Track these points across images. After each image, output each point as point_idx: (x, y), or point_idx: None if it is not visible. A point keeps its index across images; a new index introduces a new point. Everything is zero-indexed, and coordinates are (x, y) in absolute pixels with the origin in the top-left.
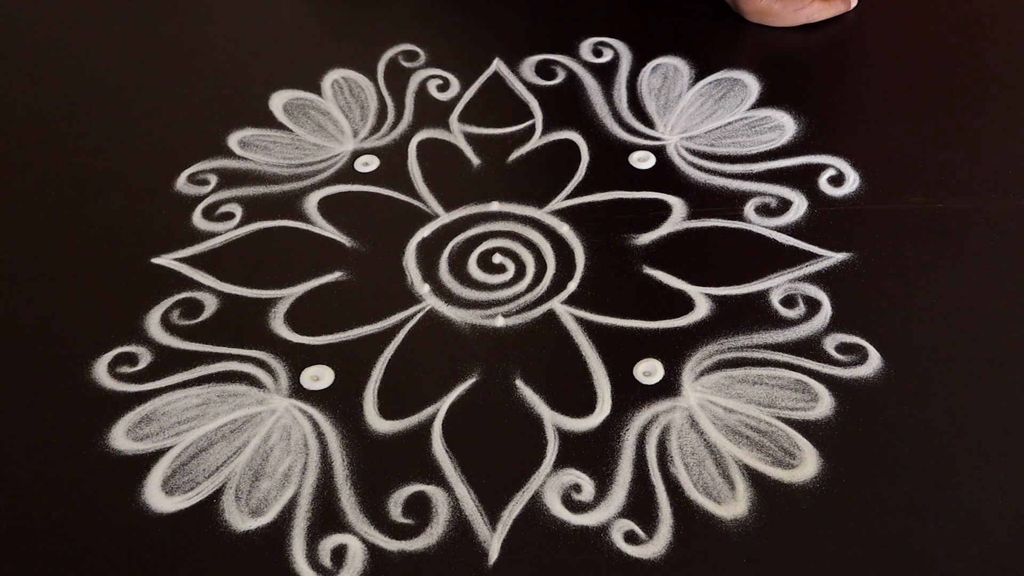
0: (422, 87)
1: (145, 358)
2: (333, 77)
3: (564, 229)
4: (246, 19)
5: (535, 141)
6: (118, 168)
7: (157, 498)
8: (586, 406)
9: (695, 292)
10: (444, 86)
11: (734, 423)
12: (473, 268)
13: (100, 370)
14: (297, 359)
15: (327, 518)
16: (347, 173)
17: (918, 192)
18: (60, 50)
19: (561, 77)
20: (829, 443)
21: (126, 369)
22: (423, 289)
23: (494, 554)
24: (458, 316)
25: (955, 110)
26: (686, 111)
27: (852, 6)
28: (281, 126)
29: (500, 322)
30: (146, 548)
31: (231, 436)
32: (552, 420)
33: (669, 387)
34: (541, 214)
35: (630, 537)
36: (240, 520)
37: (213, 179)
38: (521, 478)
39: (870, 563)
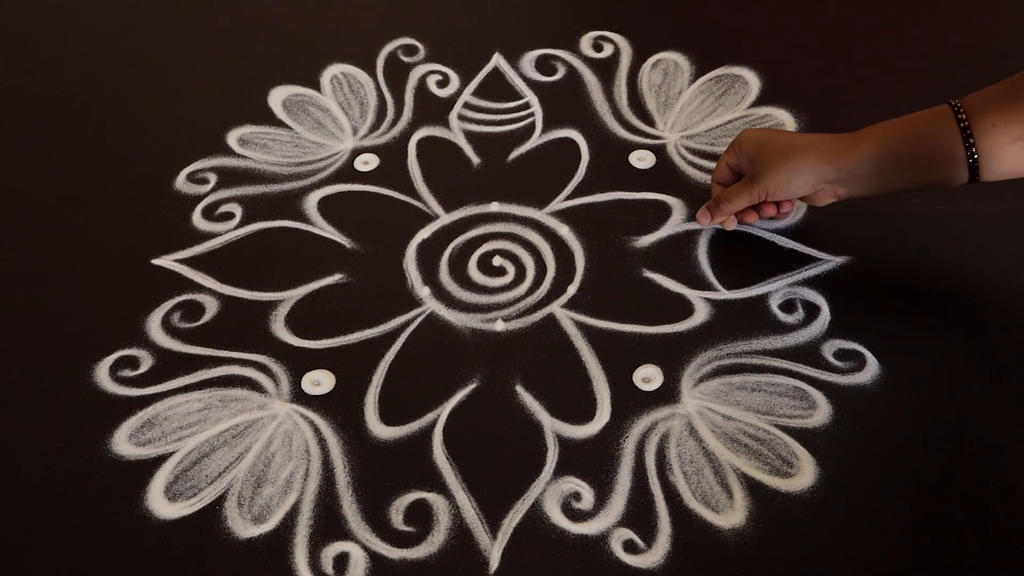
0: (421, 83)
1: (147, 361)
2: (332, 72)
3: (564, 231)
4: (243, 12)
5: (535, 140)
6: (117, 167)
7: (160, 504)
8: (586, 413)
9: (694, 296)
10: (444, 82)
11: (732, 431)
12: (473, 271)
13: (102, 373)
14: (298, 363)
15: (329, 525)
16: (347, 172)
17: (916, 194)
18: (55, 47)
19: (561, 73)
20: (826, 452)
21: (128, 372)
22: (423, 292)
23: (495, 563)
24: (458, 320)
25: None
26: (686, 108)
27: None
28: (280, 123)
29: (500, 326)
30: (149, 555)
31: (233, 442)
32: (552, 427)
33: (668, 394)
34: (541, 215)
35: (629, 546)
36: (243, 527)
37: (213, 178)
38: (521, 486)
39: (867, 574)
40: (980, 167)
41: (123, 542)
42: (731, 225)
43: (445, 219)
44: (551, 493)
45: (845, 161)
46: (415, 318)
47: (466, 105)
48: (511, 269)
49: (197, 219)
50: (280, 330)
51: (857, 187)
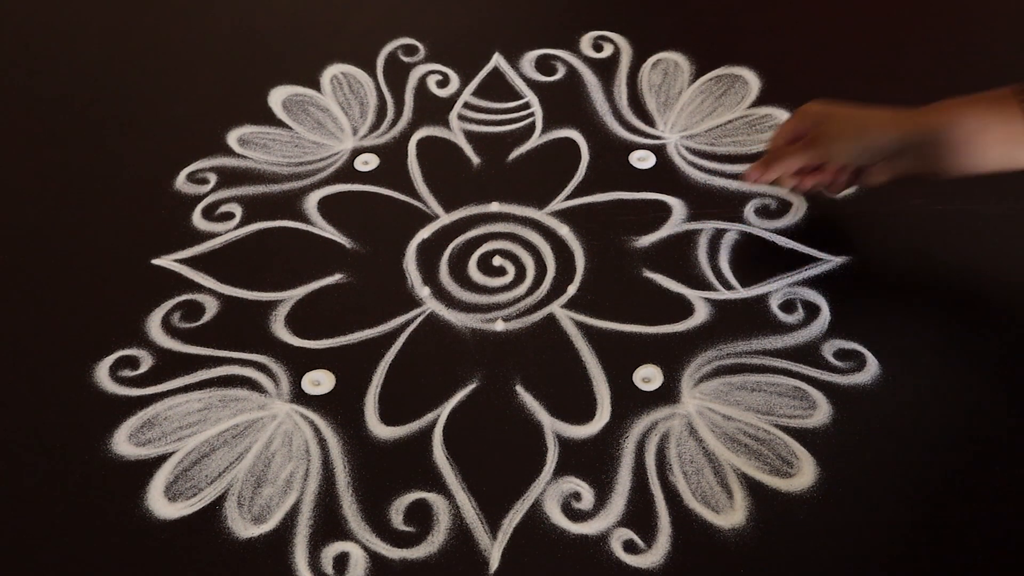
0: (421, 83)
1: (147, 361)
2: (332, 72)
3: (564, 231)
4: (243, 12)
5: (535, 140)
6: (117, 167)
7: (160, 504)
8: (586, 413)
9: (694, 296)
10: (444, 82)
11: (732, 431)
12: (473, 271)
13: (102, 373)
14: (298, 363)
15: (329, 525)
16: (347, 172)
17: (917, 194)
18: (55, 48)
19: (561, 73)
20: (826, 452)
21: (128, 372)
22: (423, 292)
23: (495, 563)
24: (458, 320)
25: None
26: (686, 108)
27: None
28: (280, 123)
29: (500, 326)
30: (149, 555)
31: (233, 442)
32: (552, 427)
33: (668, 394)
34: (541, 215)
35: (629, 546)
36: (243, 527)
37: (213, 178)
38: (521, 486)
39: (867, 574)
40: None
41: (123, 542)
42: (788, 184)
43: (445, 219)
44: (551, 493)
45: (911, 131)
46: (415, 318)
47: (466, 105)
48: (511, 269)
49: (197, 219)
50: (280, 330)
51: (918, 162)
